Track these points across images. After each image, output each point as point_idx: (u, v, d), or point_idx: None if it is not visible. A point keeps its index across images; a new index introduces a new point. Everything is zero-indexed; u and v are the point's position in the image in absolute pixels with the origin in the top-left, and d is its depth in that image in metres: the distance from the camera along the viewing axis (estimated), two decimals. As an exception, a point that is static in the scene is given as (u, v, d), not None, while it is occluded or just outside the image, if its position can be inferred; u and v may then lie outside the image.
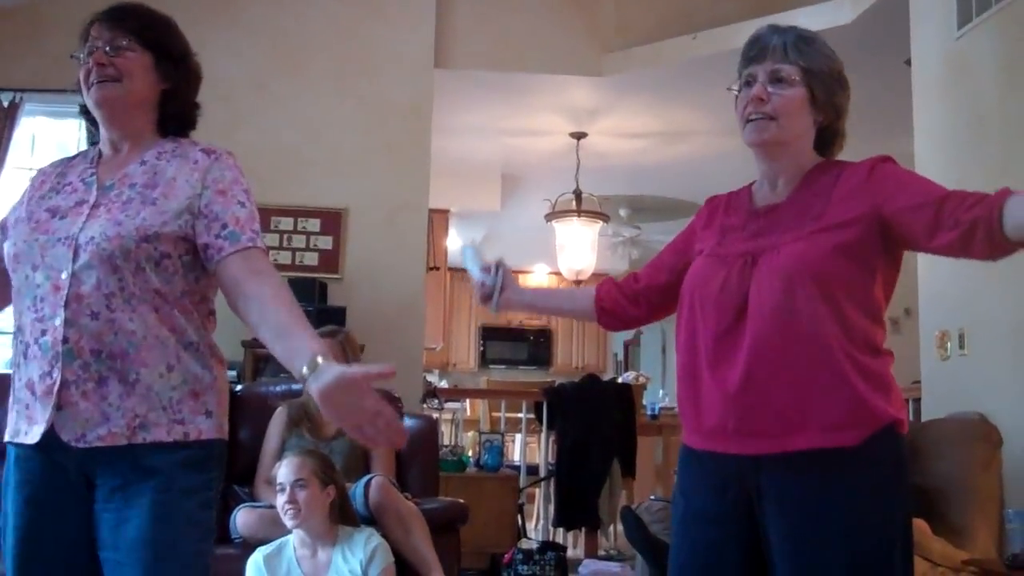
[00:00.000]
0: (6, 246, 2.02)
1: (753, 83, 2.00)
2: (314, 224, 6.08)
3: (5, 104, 5.68)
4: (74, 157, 2.16)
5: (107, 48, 2.00)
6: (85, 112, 2.10)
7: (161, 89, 2.07)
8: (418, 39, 6.33)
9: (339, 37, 6.29)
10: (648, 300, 2.27)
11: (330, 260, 6.06)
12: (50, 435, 1.88)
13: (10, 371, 1.99)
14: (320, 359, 1.73)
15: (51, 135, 6.12)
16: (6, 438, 1.98)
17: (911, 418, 4.55)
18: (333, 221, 6.09)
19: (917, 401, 4.82)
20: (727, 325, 1.94)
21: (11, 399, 1.97)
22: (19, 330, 1.96)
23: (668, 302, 2.21)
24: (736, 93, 2.05)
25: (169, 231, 1.94)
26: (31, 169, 2.09)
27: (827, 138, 2.07)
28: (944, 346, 4.39)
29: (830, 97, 2.02)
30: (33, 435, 1.89)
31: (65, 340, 1.88)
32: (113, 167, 2.06)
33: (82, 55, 2.02)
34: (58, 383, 1.87)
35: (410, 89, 6.27)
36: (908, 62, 4.88)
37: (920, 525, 3.32)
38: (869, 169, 1.96)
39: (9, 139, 5.66)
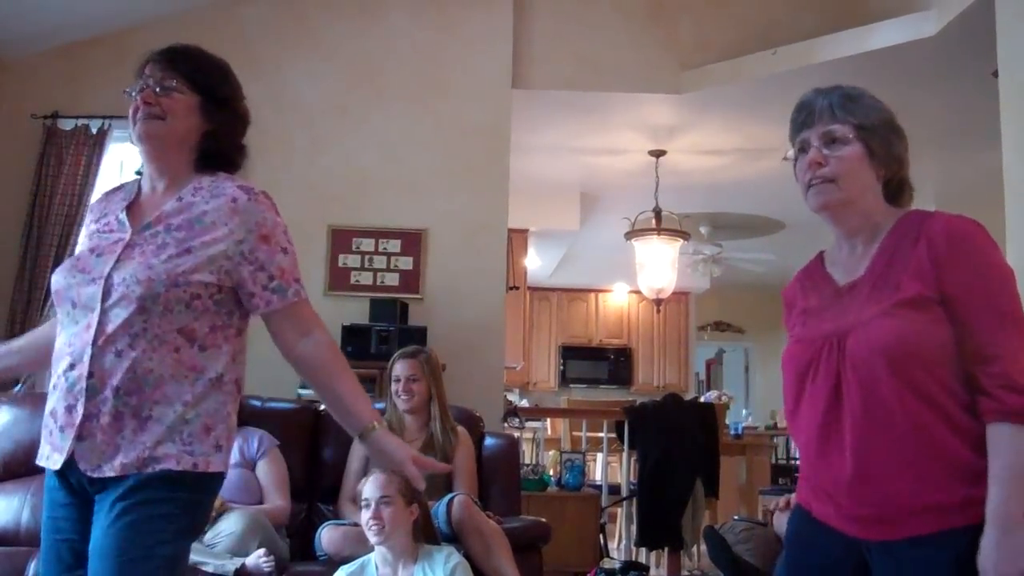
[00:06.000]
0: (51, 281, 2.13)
1: (808, 149, 1.97)
2: (395, 245, 6.14)
3: (94, 131, 5.84)
4: (118, 189, 2.26)
5: (156, 88, 2.08)
6: None
7: (204, 131, 2.13)
8: (496, 60, 6.37)
9: (418, 60, 6.36)
10: None
11: (411, 280, 6.10)
12: (70, 463, 1.97)
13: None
14: (376, 424, 2.07)
15: (138, 161, 6.26)
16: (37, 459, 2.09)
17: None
18: (413, 242, 6.14)
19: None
20: (825, 408, 1.91)
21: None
22: (55, 361, 2.05)
23: None
24: (793, 162, 2.02)
25: (198, 278, 2.00)
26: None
27: (893, 190, 2.02)
28: None
29: (888, 149, 1.97)
30: (54, 462, 1.99)
31: (90, 375, 1.96)
32: (150, 205, 2.13)
33: (133, 91, 2.10)
34: (80, 416, 1.95)
35: (488, 110, 6.31)
36: (996, 73, 4.77)
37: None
38: (948, 245, 1.87)
39: (99, 165, 5.82)
